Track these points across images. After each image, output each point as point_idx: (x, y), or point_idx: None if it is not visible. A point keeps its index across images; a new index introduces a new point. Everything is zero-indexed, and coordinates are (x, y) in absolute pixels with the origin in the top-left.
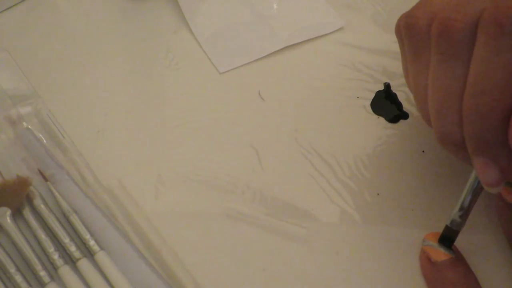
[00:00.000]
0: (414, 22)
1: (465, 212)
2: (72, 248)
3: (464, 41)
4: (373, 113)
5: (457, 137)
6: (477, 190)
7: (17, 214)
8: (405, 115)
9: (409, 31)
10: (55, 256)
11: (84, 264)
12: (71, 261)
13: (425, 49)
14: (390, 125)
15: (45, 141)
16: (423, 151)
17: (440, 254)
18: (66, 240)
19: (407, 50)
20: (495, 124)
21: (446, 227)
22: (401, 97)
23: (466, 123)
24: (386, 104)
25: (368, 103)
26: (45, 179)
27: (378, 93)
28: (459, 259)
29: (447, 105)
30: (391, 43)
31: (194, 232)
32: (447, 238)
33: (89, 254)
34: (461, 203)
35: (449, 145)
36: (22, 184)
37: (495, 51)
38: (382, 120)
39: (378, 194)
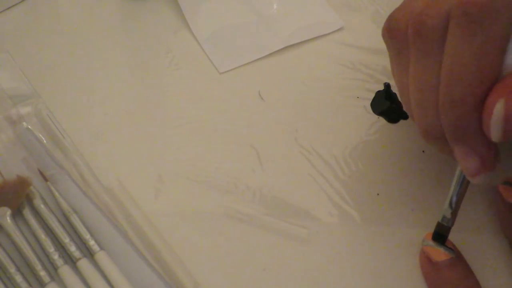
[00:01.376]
0: (394, 24)
1: (454, 207)
2: (72, 248)
3: (437, 36)
4: (373, 113)
5: (438, 130)
6: (464, 184)
7: (17, 214)
8: (405, 115)
9: (390, 33)
10: (55, 256)
11: (84, 264)
12: (71, 261)
13: (405, 48)
14: (390, 125)
15: (45, 141)
16: (423, 151)
17: (440, 254)
18: (66, 240)
19: (391, 52)
20: (469, 111)
21: (438, 223)
22: None
23: (443, 113)
24: (386, 104)
25: (368, 103)
26: (45, 179)
27: (378, 93)
28: (459, 259)
29: (426, 99)
30: None
31: (194, 232)
32: (440, 235)
33: (89, 254)
34: (450, 198)
35: (432, 139)
36: (22, 184)
37: (465, 40)
38: (382, 120)
39: (378, 194)
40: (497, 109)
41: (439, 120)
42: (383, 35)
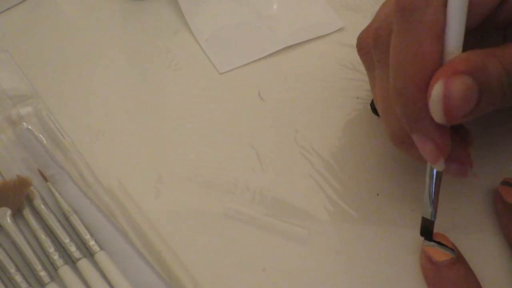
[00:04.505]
0: (360, 42)
1: (434, 199)
2: (72, 248)
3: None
4: (373, 113)
5: (402, 134)
6: (437, 175)
7: (17, 214)
8: None
9: (360, 51)
10: (55, 256)
11: (84, 264)
12: (71, 261)
13: (372, 62)
14: None
15: (45, 141)
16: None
17: (441, 254)
18: (66, 240)
19: (365, 69)
20: (414, 99)
21: (423, 218)
22: None
23: (394, 106)
24: None
25: (367, 104)
26: (45, 179)
27: None
28: (459, 259)
29: (387, 104)
30: None
31: (194, 232)
32: (426, 230)
33: (89, 254)
34: (427, 191)
35: (398, 143)
36: (22, 184)
37: (401, 33)
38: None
39: (377, 194)
40: (436, 90)
41: (401, 124)
42: (359, 53)
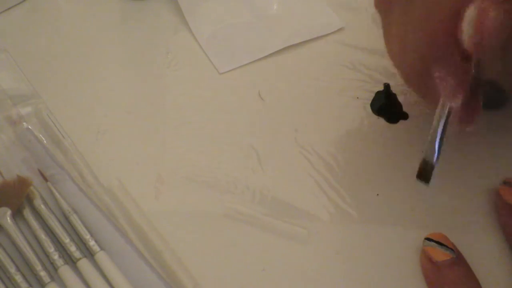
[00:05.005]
0: None
1: (439, 141)
2: (72, 248)
3: None
4: (372, 113)
5: (417, 73)
6: (445, 116)
7: (17, 214)
8: (404, 116)
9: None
10: (55, 256)
11: (84, 264)
12: (71, 261)
13: (389, 6)
14: (390, 125)
15: (45, 141)
16: (422, 151)
17: (441, 254)
18: (66, 240)
19: (382, 16)
20: (445, 23)
21: (423, 160)
22: (400, 98)
23: (420, 31)
24: (386, 105)
25: (368, 104)
26: (45, 179)
27: (378, 93)
28: (459, 259)
29: (408, 38)
30: None
31: (194, 232)
32: (424, 173)
33: (89, 254)
34: (434, 133)
35: (412, 79)
36: (22, 184)
37: None
38: (381, 120)
39: (377, 194)
40: (469, 12)
41: (419, 59)
42: (376, 6)
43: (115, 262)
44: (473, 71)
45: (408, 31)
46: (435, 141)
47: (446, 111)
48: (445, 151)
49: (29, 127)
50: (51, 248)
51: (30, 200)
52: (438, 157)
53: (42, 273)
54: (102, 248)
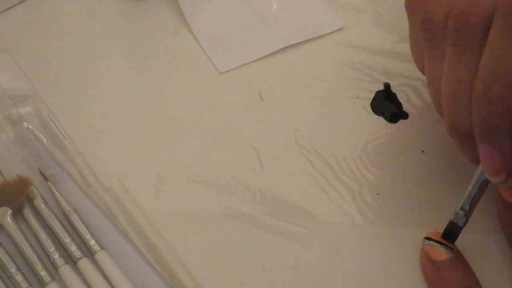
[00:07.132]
0: (431, 16)
1: (470, 207)
2: (73, 248)
3: (479, 34)
4: (373, 113)
5: (467, 126)
6: (482, 184)
7: (17, 214)
8: (405, 115)
9: (425, 23)
10: (56, 256)
11: (85, 264)
12: (72, 261)
13: (441, 41)
14: (390, 125)
15: (45, 141)
16: (423, 151)
17: (441, 254)
18: (66, 239)
19: (424, 42)
20: (503, 111)
21: (450, 222)
22: (401, 97)
23: (475, 109)
24: (386, 104)
25: (368, 103)
26: (46, 179)
27: (378, 93)
28: (459, 259)
29: (459, 93)
30: (391, 43)
31: (194, 232)
32: (450, 234)
33: (90, 253)
34: (467, 197)
35: (457, 134)
36: (22, 184)
37: (509, 39)
38: (382, 120)
39: (378, 194)
40: None
41: (469, 116)
42: (409, 8)
43: (116, 261)
44: None
45: (463, 87)
46: (468, 207)
47: (483, 180)
48: (446, 153)
49: (29, 126)
50: (51, 248)
51: (30, 200)
52: (467, 222)
53: (43, 273)
54: (102, 248)
